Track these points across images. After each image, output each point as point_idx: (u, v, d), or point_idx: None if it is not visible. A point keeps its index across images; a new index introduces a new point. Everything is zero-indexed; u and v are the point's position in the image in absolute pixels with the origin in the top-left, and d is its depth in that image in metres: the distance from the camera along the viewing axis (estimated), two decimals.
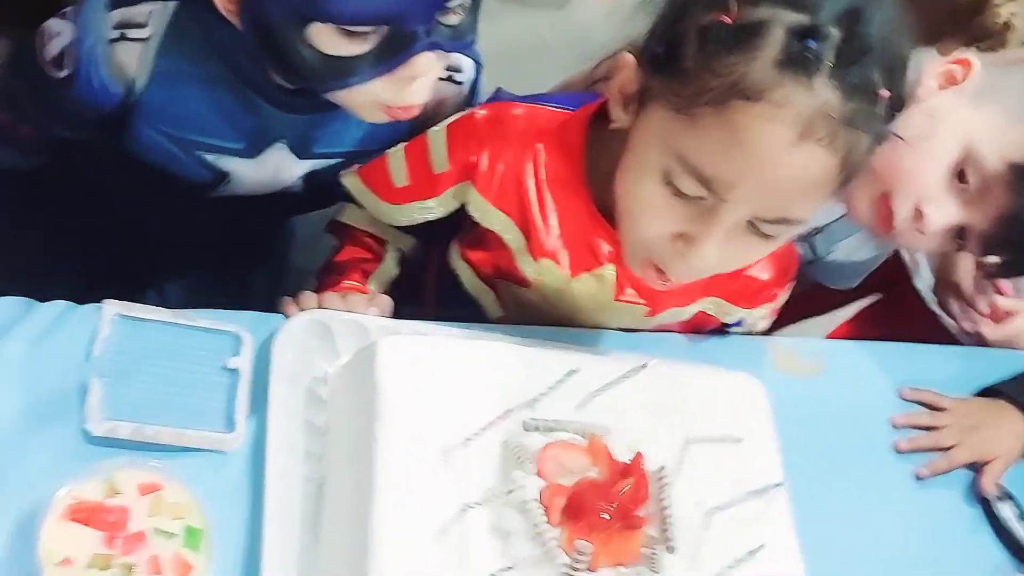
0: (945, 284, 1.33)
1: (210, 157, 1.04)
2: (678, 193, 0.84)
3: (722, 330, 1.11)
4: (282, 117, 1.02)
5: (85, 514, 0.79)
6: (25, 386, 0.86)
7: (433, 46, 0.90)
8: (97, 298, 0.93)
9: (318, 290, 1.00)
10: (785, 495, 0.91)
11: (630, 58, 0.88)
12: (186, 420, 0.88)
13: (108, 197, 1.17)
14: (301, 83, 0.94)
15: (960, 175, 1.02)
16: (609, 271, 1.01)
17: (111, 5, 0.97)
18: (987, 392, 1.15)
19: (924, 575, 1.02)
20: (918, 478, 1.08)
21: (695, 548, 0.85)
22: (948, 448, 1.10)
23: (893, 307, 1.46)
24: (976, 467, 1.10)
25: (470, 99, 1.12)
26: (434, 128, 1.02)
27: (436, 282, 1.12)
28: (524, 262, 1.02)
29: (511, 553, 0.81)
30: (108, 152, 1.06)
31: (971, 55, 1.04)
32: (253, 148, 1.04)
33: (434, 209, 1.04)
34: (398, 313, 1.01)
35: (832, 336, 1.53)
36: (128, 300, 0.94)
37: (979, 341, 1.26)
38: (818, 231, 1.24)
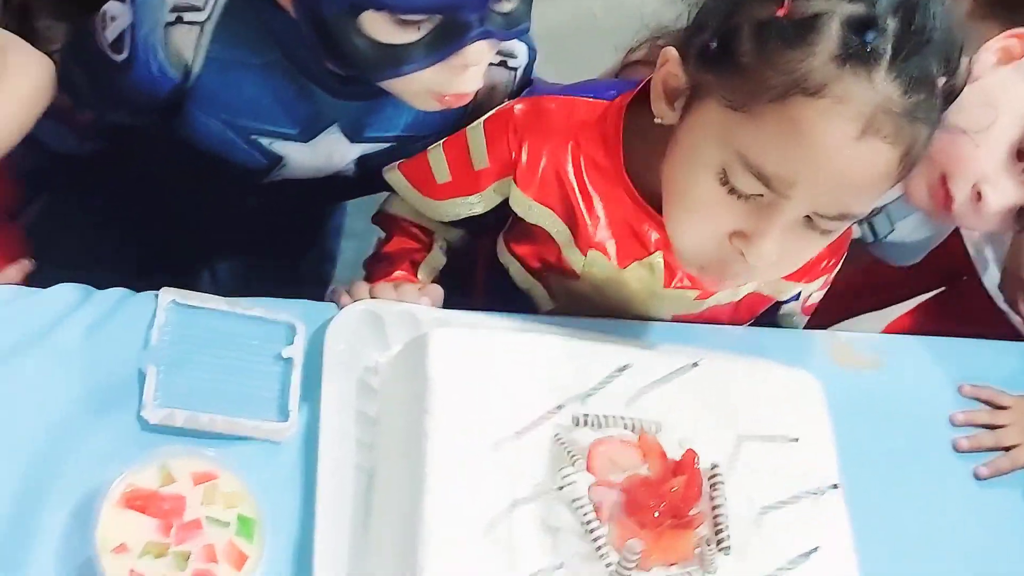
0: (1014, 279, 1.29)
1: (264, 141, 1.04)
2: (734, 191, 0.83)
3: (776, 307, 1.10)
4: (335, 103, 1.02)
5: (141, 501, 0.80)
6: (82, 373, 0.88)
7: (486, 34, 0.89)
8: (152, 279, 0.94)
9: (369, 281, 1.00)
10: (841, 497, 0.89)
11: (674, 53, 0.87)
12: (240, 409, 0.88)
13: (163, 181, 1.18)
14: (354, 71, 0.93)
15: (1019, 154, 0.99)
16: (658, 259, 1.00)
17: None
18: None
19: None
20: (978, 478, 1.06)
21: (748, 548, 0.84)
22: (1010, 447, 1.07)
23: (954, 302, 1.44)
24: None
25: (524, 85, 1.11)
26: (472, 125, 1.02)
27: (485, 273, 1.12)
28: (572, 255, 1.01)
29: (560, 550, 0.81)
30: (164, 137, 1.07)
31: None
32: (307, 133, 1.04)
33: (477, 205, 1.03)
34: (448, 304, 1.01)
35: (890, 329, 1.50)
36: (182, 281, 0.95)
37: None
38: (877, 212, 1.21)
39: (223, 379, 0.90)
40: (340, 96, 1.01)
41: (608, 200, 0.99)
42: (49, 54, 1.29)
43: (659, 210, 0.94)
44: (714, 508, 0.85)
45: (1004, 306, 1.30)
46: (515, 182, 1.00)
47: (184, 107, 1.01)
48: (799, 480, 0.87)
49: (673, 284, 1.02)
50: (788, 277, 1.04)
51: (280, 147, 1.05)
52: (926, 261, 1.38)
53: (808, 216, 0.83)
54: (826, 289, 1.12)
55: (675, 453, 0.86)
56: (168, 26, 0.97)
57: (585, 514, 0.81)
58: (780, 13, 0.78)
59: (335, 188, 1.15)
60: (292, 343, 0.93)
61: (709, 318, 1.06)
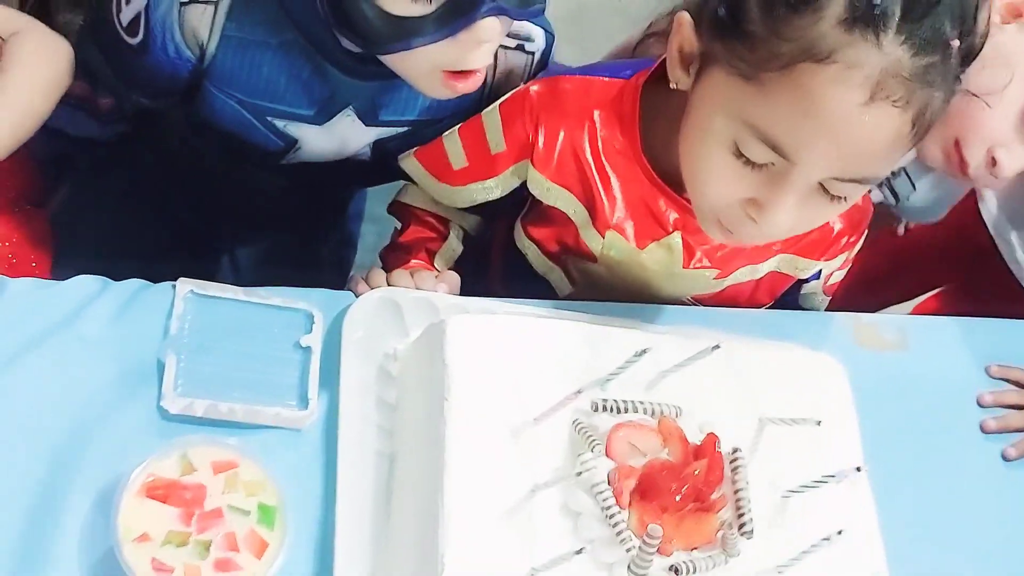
0: None
1: (280, 123, 1.04)
2: (746, 160, 0.83)
3: (798, 287, 1.09)
4: (350, 83, 1.01)
5: (162, 491, 0.80)
6: (102, 364, 0.88)
7: (498, 10, 0.87)
8: (173, 265, 0.95)
9: (386, 269, 1.00)
10: (865, 479, 0.88)
11: (687, 18, 0.87)
12: (259, 397, 0.89)
13: (183, 166, 1.18)
14: (363, 44, 0.92)
15: None
16: (676, 239, 0.99)
17: None
18: None
19: (1012, 560, 0.99)
20: (1006, 459, 1.05)
21: (770, 532, 0.84)
22: None
23: (980, 287, 1.41)
24: None
25: (541, 70, 1.10)
26: (488, 109, 1.01)
27: (502, 259, 1.12)
28: (590, 237, 1.01)
29: (581, 535, 0.80)
30: (183, 120, 1.07)
31: None
32: (322, 115, 1.04)
33: (494, 189, 1.03)
34: (466, 290, 1.00)
35: (917, 311, 1.49)
36: (202, 268, 0.95)
37: None
38: (895, 174, 1.21)
39: (242, 368, 0.90)
40: (355, 76, 1.01)
41: (626, 180, 0.98)
42: None
43: (677, 189, 0.94)
44: (736, 492, 0.84)
45: None
46: (532, 164, 0.99)
47: (202, 87, 1.01)
48: (822, 463, 0.86)
49: (692, 264, 1.01)
50: (807, 255, 1.04)
51: (295, 129, 1.05)
52: (950, 249, 1.37)
53: (822, 183, 0.83)
54: (847, 268, 1.11)
55: (696, 437, 0.85)
56: (183, 6, 0.97)
57: (605, 499, 0.80)
58: None
59: (352, 173, 1.15)
60: (310, 331, 0.93)
61: (728, 299, 1.06)
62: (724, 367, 0.89)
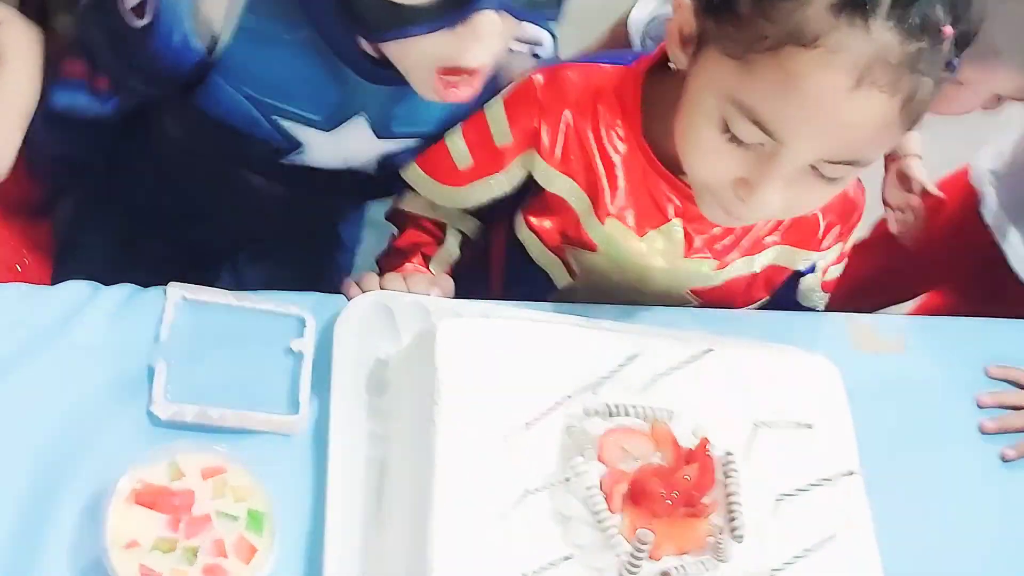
0: None
1: (286, 124, 1.02)
2: (736, 139, 0.83)
3: (795, 284, 1.09)
4: (365, 88, 0.99)
5: (150, 497, 0.80)
6: (92, 370, 0.88)
7: (500, 5, 0.85)
8: (173, 275, 0.94)
9: (380, 273, 0.99)
10: (860, 483, 0.87)
11: (688, 2, 0.87)
12: (250, 403, 0.88)
13: (177, 171, 1.16)
14: (363, 29, 0.91)
15: None
16: (676, 227, 1.00)
17: None
18: None
19: (1011, 562, 0.98)
20: (1005, 460, 1.04)
21: (763, 537, 0.83)
22: None
23: (982, 285, 1.41)
24: None
25: None
26: (490, 103, 1.00)
27: (501, 260, 1.11)
28: (591, 225, 1.00)
29: (572, 540, 0.80)
30: (182, 110, 1.05)
31: None
32: (331, 121, 1.03)
33: (502, 183, 1.03)
34: (464, 293, 1.00)
35: (917, 311, 1.48)
36: (202, 274, 0.94)
37: None
38: None
39: (233, 374, 0.90)
40: (371, 79, 0.99)
41: (628, 166, 0.98)
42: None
43: (679, 175, 0.95)
44: (728, 496, 0.83)
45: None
46: (538, 153, 0.99)
47: (208, 77, 0.99)
48: (816, 467, 0.85)
49: (692, 254, 1.01)
50: (801, 245, 1.04)
51: (300, 132, 1.03)
52: (950, 248, 1.37)
53: (813, 165, 0.83)
54: (843, 263, 1.10)
55: (689, 441, 0.85)
56: None
57: (596, 504, 0.80)
58: None
59: (353, 185, 1.13)
60: (302, 336, 0.92)
61: (726, 294, 1.05)
62: (717, 370, 0.89)
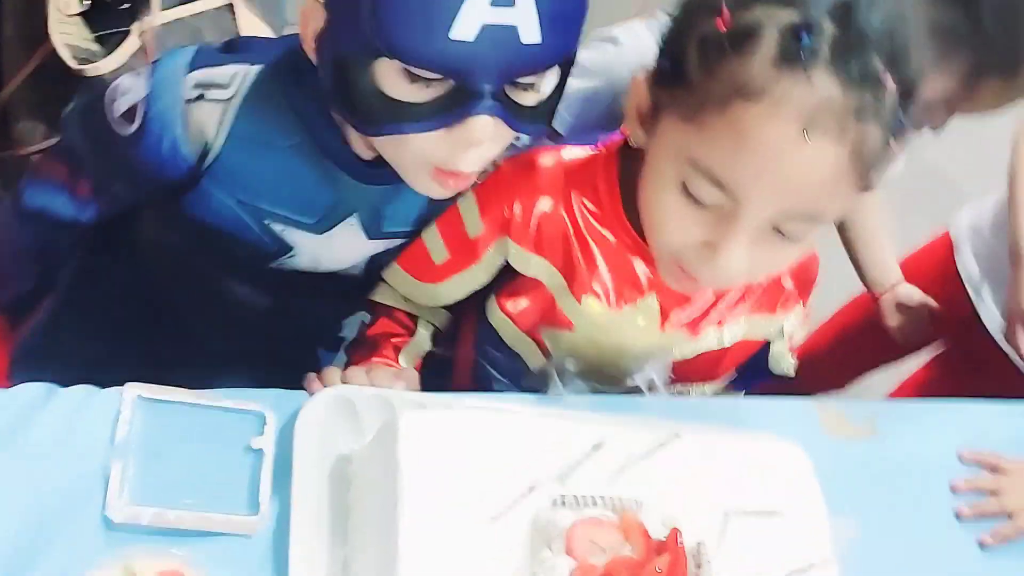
0: (1012, 313, 1.31)
1: (277, 228, 1.02)
2: (697, 201, 0.85)
3: (766, 353, 1.09)
4: (358, 189, 1.00)
5: None
6: (47, 473, 0.85)
7: (495, 111, 0.86)
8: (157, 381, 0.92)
9: (347, 366, 0.98)
10: (834, 572, 0.85)
11: (641, 77, 0.91)
12: (209, 503, 0.86)
13: (160, 276, 1.15)
14: (359, 122, 0.90)
15: None
16: (652, 301, 1.00)
17: (190, 66, 0.96)
18: None
19: None
20: (982, 546, 1.02)
21: None
22: (1013, 513, 1.04)
23: (964, 359, 1.43)
24: None
25: None
26: (462, 195, 1.01)
27: (469, 347, 1.11)
28: (566, 304, 1.01)
29: None
30: (167, 214, 1.04)
31: None
32: (323, 224, 1.02)
33: (479, 274, 1.03)
34: (434, 381, 0.98)
35: (896, 394, 1.48)
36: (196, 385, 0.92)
37: None
38: None
39: (191, 473, 0.87)
40: (364, 179, 0.99)
41: (604, 244, 0.99)
42: (27, 155, 1.31)
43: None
44: None
45: (1004, 346, 1.29)
46: (511, 239, 1.00)
47: (199, 183, 0.99)
48: (789, 557, 0.84)
49: (667, 326, 1.02)
50: (769, 309, 1.05)
51: (292, 235, 1.03)
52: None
53: (774, 225, 0.85)
54: (807, 327, 1.11)
55: (659, 532, 0.83)
56: (189, 103, 0.95)
57: None
58: (721, 27, 0.82)
59: (340, 289, 1.11)
60: (262, 433, 0.90)
61: (699, 365, 1.05)
62: (686, 458, 0.87)
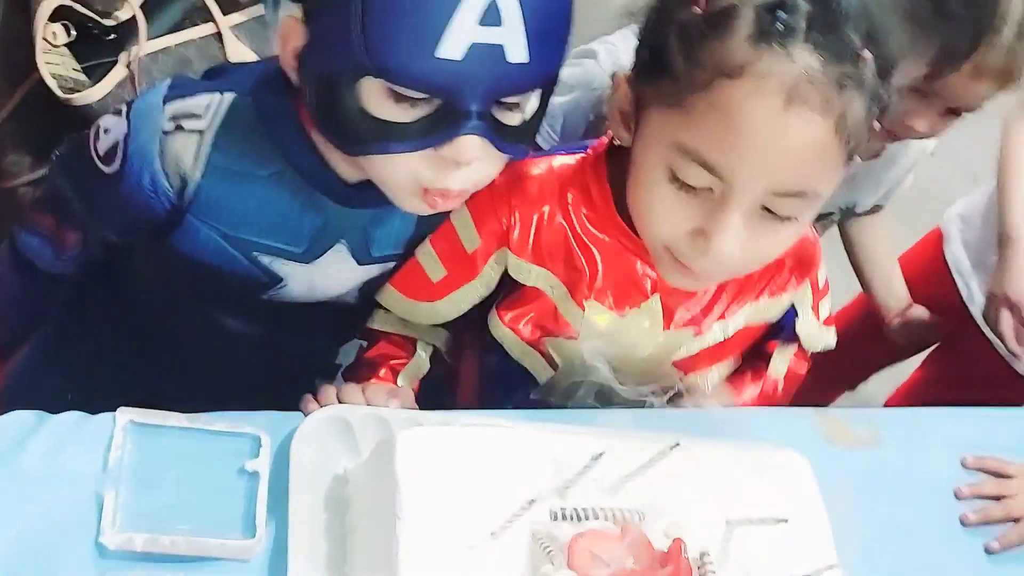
0: (995, 299, 1.33)
1: (266, 259, 1.00)
2: (686, 187, 0.86)
3: (776, 333, 1.08)
4: (343, 214, 0.98)
5: None
6: (40, 501, 0.84)
7: (482, 131, 0.85)
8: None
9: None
10: None
11: (621, 77, 0.92)
12: (205, 528, 0.84)
13: (150, 316, 1.13)
14: (344, 143, 0.90)
15: None
16: (655, 303, 1.00)
17: (166, 98, 0.95)
18: None
19: None
20: (989, 552, 1.01)
21: None
22: (1020, 518, 1.02)
23: (958, 359, 1.43)
24: None
25: None
26: (456, 210, 1.00)
27: (473, 364, 1.10)
28: (570, 312, 1.00)
29: None
30: (155, 253, 1.03)
31: None
32: (311, 253, 1.01)
33: (478, 289, 1.02)
34: (436, 404, 0.97)
35: (892, 401, 1.48)
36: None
37: None
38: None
39: (186, 498, 0.86)
40: (347, 203, 0.98)
41: (604, 248, 0.99)
42: (13, 188, 1.30)
43: None
44: None
45: (989, 332, 1.34)
46: (510, 250, 0.99)
47: (181, 218, 0.98)
48: (795, 564, 0.82)
49: (672, 326, 1.01)
50: (772, 293, 1.05)
51: (281, 266, 1.01)
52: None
53: (765, 206, 0.85)
54: (828, 294, 1.10)
55: (662, 543, 0.81)
56: (166, 135, 0.94)
57: None
58: (698, 11, 0.83)
59: (334, 320, 1.10)
60: (257, 456, 0.89)
61: (704, 359, 1.05)
62: (687, 468, 0.86)
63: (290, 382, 1.13)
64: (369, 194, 0.94)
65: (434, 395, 1.05)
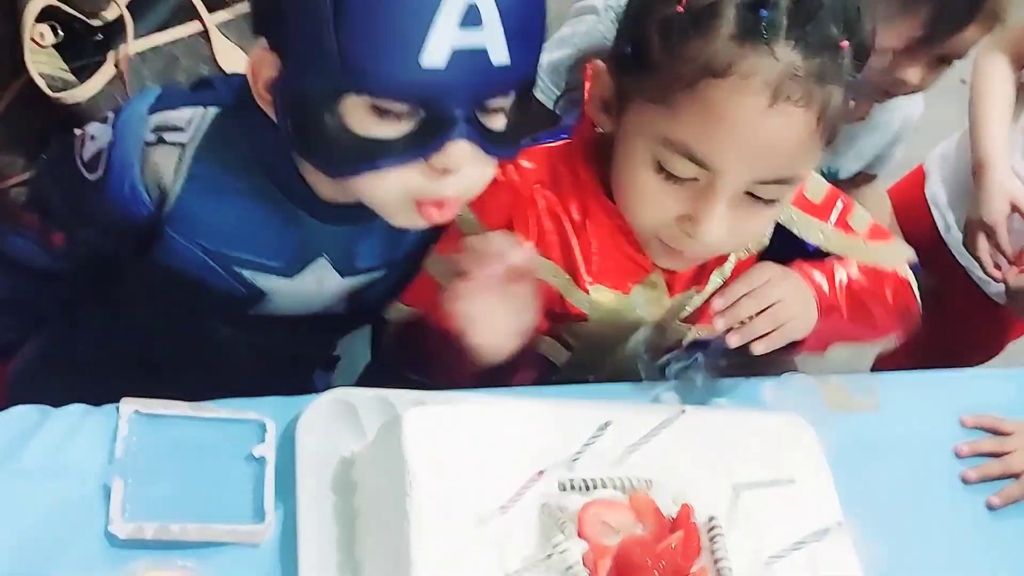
0: (972, 224, 1.39)
1: (247, 273, 0.99)
2: (672, 177, 0.88)
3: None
4: (323, 229, 0.97)
5: None
6: (47, 494, 0.84)
7: (470, 136, 0.84)
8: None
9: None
10: (847, 534, 0.85)
11: (601, 65, 0.93)
12: (213, 514, 0.85)
13: (136, 321, 1.12)
14: (329, 166, 0.88)
15: None
16: (657, 276, 1.02)
17: (151, 109, 0.95)
18: None
19: None
20: (990, 508, 1.02)
21: None
22: (1019, 473, 1.03)
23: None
24: None
25: None
26: (460, 213, 0.96)
27: None
28: (575, 296, 1.01)
29: None
30: (140, 263, 1.02)
31: None
32: (292, 267, 0.99)
33: None
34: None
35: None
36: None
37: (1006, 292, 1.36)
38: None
39: (193, 485, 0.86)
40: (328, 220, 0.96)
41: (600, 231, 0.99)
42: (5, 190, 1.30)
43: None
44: (716, 563, 0.81)
45: (967, 260, 1.43)
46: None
47: (162, 230, 0.97)
48: (802, 524, 0.82)
49: (676, 293, 1.03)
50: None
51: (263, 280, 1.00)
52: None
53: (748, 191, 0.87)
54: (842, 208, 1.09)
55: (670, 509, 0.82)
56: (148, 146, 0.93)
57: None
58: (679, 8, 0.85)
59: (323, 326, 1.09)
60: (263, 441, 0.89)
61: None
62: (692, 435, 0.87)
63: (288, 375, 1.14)
64: (351, 211, 0.92)
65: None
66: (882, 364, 1.56)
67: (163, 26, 1.32)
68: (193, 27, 1.35)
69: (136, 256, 1.01)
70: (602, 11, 1.23)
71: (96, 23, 1.26)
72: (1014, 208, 1.35)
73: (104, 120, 0.97)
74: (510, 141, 0.89)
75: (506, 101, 0.86)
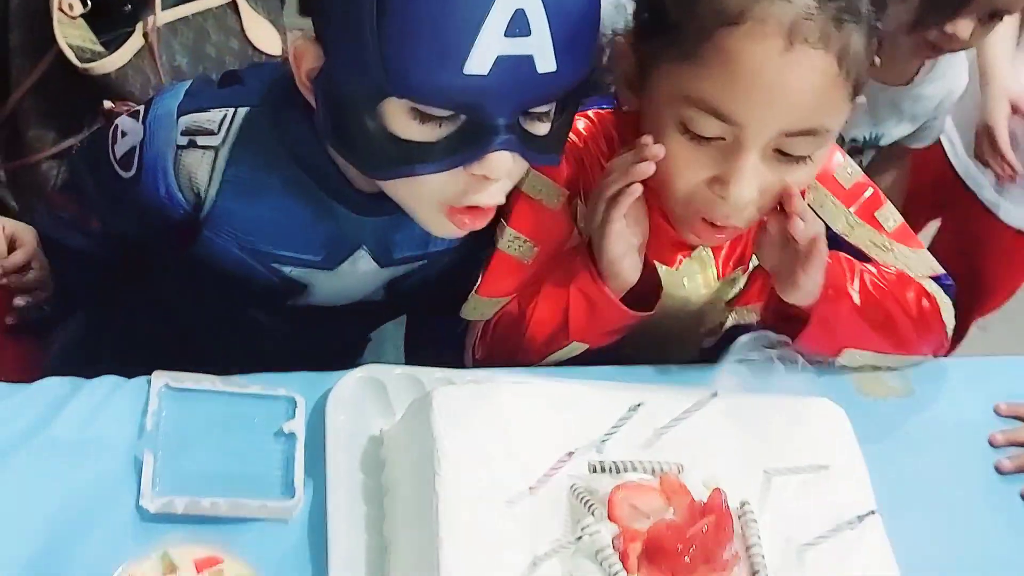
0: (981, 136, 1.47)
1: (286, 269, 0.99)
2: (699, 139, 0.87)
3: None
4: (361, 222, 0.96)
5: None
6: (78, 466, 0.84)
7: (512, 146, 0.82)
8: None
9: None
10: (880, 523, 0.84)
11: (623, 43, 0.93)
12: (243, 489, 0.85)
13: (182, 305, 1.12)
14: (366, 167, 0.87)
15: None
16: (705, 252, 1.02)
17: (180, 110, 0.93)
18: None
19: None
20: None
21: None
22: None
23: (955, 236, 1.64)
24: None
25: None
26: (523, 182, 0.95)
27: None
28: None
29: None
30: (177, 256, 1.01)
31: None
32: (331, 259, 0.99)
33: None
34: None
35: None
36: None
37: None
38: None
39: (223, 460, 0.86)
40: (364, 212, 0.95)
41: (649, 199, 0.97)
42: (39, 163, 1.30)
43: None
44: (748, 548, 0.80)
45: (976, 172, 1.54)
46: (581, 199, 1.00)
47: (200, 229, 0.96)
48: (835, 511, 0.82)
49: (727, 274, 1.04)
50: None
51: (303, 274, 1.00)
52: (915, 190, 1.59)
53: (777, 149, 0.87)
54: (873, 202, 1.07)
55: (701, 494, 0.81)
56: (180, 149, 0.92)
57: (611, 565, 0.76)
58: None
59: (362, 315, 1.09)
60: (293, 417, 0.89)
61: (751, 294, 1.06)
62: (723, 419, 0.86)
63: (322, 359, 1.15)
64: (388, 202, 0.91)
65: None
66: None
67: None
68: None
69: (174, 250, 1.01)
70: None
71: None
72: (1015, 109, 1.42)
73: (135, 115, 0.96)
74: (552, 147, 0.87)
75: (551, 107, 0.84)
